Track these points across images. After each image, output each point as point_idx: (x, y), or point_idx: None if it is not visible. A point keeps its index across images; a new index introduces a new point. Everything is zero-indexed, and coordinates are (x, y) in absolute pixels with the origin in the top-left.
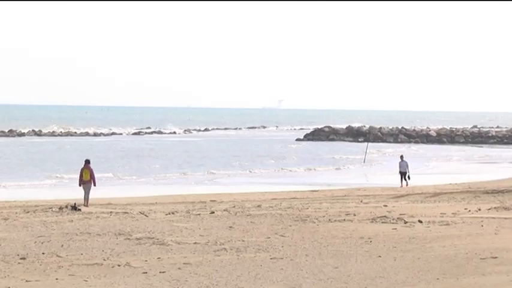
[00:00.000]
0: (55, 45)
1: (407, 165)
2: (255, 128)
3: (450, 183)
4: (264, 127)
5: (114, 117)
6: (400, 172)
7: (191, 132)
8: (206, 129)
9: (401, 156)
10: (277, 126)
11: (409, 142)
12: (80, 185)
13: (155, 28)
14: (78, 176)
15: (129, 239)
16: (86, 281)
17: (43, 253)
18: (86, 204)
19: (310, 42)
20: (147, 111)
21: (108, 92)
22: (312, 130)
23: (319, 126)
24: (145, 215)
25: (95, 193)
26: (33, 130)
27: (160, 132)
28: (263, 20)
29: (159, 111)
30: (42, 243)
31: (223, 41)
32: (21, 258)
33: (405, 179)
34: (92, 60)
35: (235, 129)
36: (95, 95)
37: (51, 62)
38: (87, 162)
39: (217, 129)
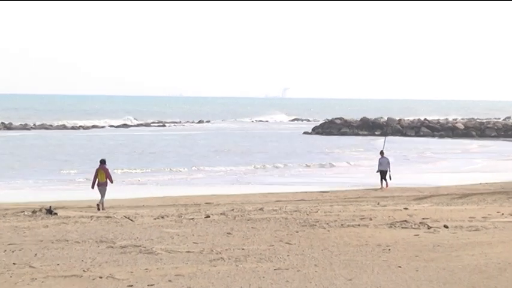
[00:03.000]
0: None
1: (388, 163)
2: (256, 120)
3: (480, 183)
4: (267, 120)
5: (99, 107)
6: (380, 171)
7: (184, 125)
8: (200, 121)
9: (382, 152)
10: (282, 118)
11: (433, 136)
12: (92, 188)
13: (149, 17)
14: (93, 177)
15: (112, 247)
16: None
17: (14, 263)
18: (103, 208)
19: (319, 27)
20: (135, 100)
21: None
22: (321, 122)
23: (329, 118)
24: (131, 220)
25: (73, 195)
26: (2, 123)
27: (147, 125)
28: (266, 5)
29: (151, 101)
30: (12, 251)
31: (224, 27)
32: None
33: (385, 179)
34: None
35: (235, 120)
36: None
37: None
38: (103, 162)
39: (213, 121)
